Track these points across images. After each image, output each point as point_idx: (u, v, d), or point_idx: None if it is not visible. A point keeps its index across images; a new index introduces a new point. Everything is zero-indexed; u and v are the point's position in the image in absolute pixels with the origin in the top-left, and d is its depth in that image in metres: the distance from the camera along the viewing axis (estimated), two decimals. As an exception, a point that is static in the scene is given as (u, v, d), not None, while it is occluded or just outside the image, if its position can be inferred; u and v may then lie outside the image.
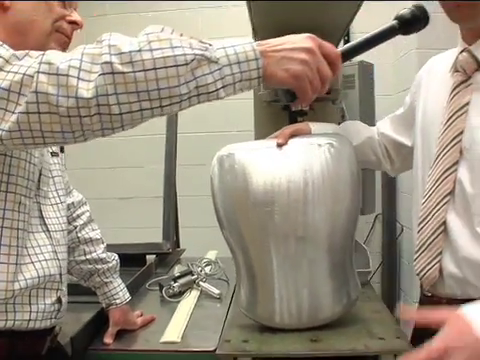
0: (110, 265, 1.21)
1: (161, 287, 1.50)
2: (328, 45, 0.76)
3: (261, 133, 1.54)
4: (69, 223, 1.16)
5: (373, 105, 2.31)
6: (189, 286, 1.51)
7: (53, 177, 1.00)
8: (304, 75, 0.73)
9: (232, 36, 0.73)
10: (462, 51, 1.00)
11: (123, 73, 0.63)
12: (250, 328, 1.18)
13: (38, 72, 0.64)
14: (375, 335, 1.12)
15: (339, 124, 2.08)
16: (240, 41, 0.71)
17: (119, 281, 1.25)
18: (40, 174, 0.93)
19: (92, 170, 2.89)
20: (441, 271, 0.98)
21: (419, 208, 1.04)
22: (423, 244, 1.01)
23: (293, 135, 1.13)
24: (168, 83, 0.65)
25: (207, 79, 0.67)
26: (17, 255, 0.83)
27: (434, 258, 0.99)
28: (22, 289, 0.84)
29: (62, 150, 1.11)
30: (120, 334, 1.22)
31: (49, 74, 0.64)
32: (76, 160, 2.44)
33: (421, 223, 1.02)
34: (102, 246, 1.21)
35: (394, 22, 0.91)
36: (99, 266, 1.20)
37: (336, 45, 1.71)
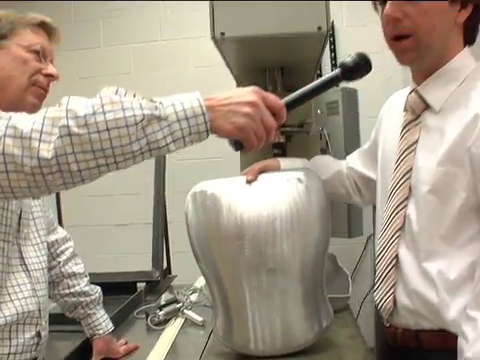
0: (93, 297, 1.28)
1: (147, 315, 1.55)
2: (272, 97, 0.82)
3: (246, 160, 1.62)
4: (53, 259, 1.24)
5: (358, 130, 2.38)
6: (174, 314, 1.57)
7: (34, 218, 1.07)
8: (248, 127, 0.79)
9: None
10: (411, 91, 1.07)
11: (79, 135, 0.70)
12: (227, 355, 1.24)
13: (5, 135, 0.71)
14: (346, 361, 1.17)
15: (323, 150, 2.17)
16: (189, 97, 0.77)
17: (102, 312, 1.31)
18: (20, 218, 1.00)
19: (89, 197, 2.97)
20: (395, 303, 1.04)
21: (377, 243, 1.10)
22: (380, 277, 1.07)
23: (262, 171, 1.20)
24: (120, 142, 0.71)
25: (157, 135, 0.73)
26: None
27: (389, 290, 1.04)
28: (1, 325, 0.91)
29: None
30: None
31: (14, 137, 0.71)
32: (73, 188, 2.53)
33: (378, 256, 1.08)
34: (85, 280, 1.28)
35: (338, 70, 0.97)
36: (82, 299, 1.26)
37: (310, 78, 1.79)
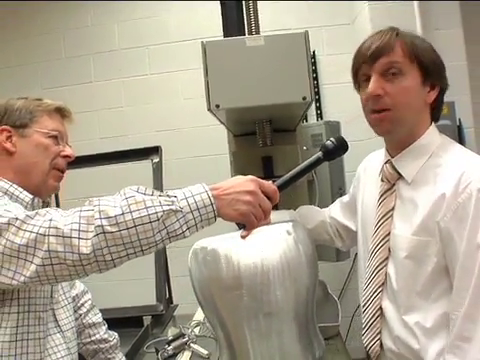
0: (111, 343, 1.43)
1: (157, 351, 1.70)
2: (266, 184, 1.00)
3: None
4: (75, 311, 1.38)
5: (342, 160, 2.55)
6: (182, 348, 1.72)
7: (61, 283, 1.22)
8: (249, 212, 0.96)
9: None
10: (386, 162, 1.23)
11: (112, 233, 0.86)
12: (233, 388, 1.39)
13: (48, 235, 0.87)
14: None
15: (310, 182, 2.32)
16: (199, 190, 0.94)
17: (120, 355, 1.47)
18: (52, 286, 1.15)
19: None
20: (382, 346, 1.20)
21: (361, 293, 1.26)
22: (366, 324, 1.23)
23: None
24: (145, 235, 0.88)
25: (175, 226, 0.90)
26: (41, 358, 1.06)
27: (375, 336, 1.21)
28: None
29: None
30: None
31: (57, 236, 0.87)
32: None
33: (364, 307, 1.25)
34: (104, 328, 1.43)
35: (319, 153, 1.13)
36: (102, 345, 1.41)
37: (295, 124, 1.94)
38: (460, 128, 2.63)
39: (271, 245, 1.31)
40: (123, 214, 0.87)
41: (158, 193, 0.93)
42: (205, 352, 1.66)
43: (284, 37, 1.33)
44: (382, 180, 1.24)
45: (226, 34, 1.53)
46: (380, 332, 1.20)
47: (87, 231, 0.87)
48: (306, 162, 1.12)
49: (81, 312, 1.40)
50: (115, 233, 0.86)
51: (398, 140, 1.20)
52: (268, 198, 1.00)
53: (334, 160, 2.38)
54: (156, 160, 2.32)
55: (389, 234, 1.19)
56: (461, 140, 2.62)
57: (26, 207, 1.12)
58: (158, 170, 2.31)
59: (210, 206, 0.93)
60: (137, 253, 0.89)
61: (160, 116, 3.17)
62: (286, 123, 1.86)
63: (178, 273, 2.85)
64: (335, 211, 1.51)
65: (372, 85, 1.15)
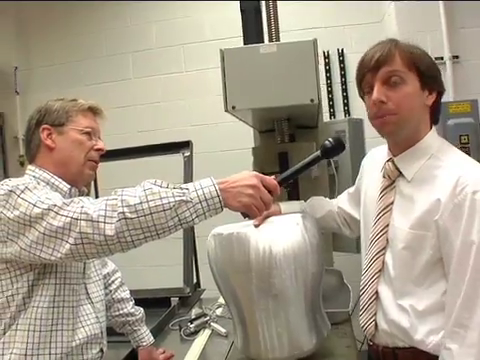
0: (138, 317, 1.60)
1: (180, 328, 1.88)
2: (268, 179, 1.14)
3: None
4: (106, 287, 1.56)
5: (364, 155, 2.62)
6: (203, 326, 1.89)
7: (93, 260, 1.40)
8: (251, 204, 1.11)
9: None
10: (388, 160, 1.34)
11: (132, 218, 1.03)
12: (245, 362, 1.54)
13: (80, 220, 1.04)
14: (338, 367, 1.47)
15: (331, 176, 2.43)
16: (207, 183, 1.09)
17: (145, 328, 1.64)
18: (85, 262, 1.33)
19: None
20: (376, 327, 1.32)
21: (361, 279, 1.38)
22: (363, 306, 1.35)
23: (267, 216, 1.49)
24: (160, 221, 1.04)
25: (185, 214, 1.06)
26: (73, 324, 1.25)
27: (371, 317, 1.33)
28: (77, 345, 1.25)
29: None
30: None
31: (87, 220, 1.05)
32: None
33: (361, 290, 1.37)
34: (131, 303, 1.60)
35: (318, 152, 1.25)
36: (129, 318, 1.59)
37: (315, 121, 2.06)
38: (483, 126, 2.67)
39: (281, 233, 1.45)
40: (141, 203, 1.03)
41: (173, 186, 1.08)
42: (223, 330, 1.82)
43: (295, 45, 1.46)
44: (383, 176, 1.35)
45: (246, 42, 1.67)
46: (375, 314, 1.32)
47: (111, 217, 1.03)
48: (306, 160, 1.24)
49: (111, 288, 1.58)
50: (134, 219, 1.03)
51: (401, 141, 1.31)
52: (269, 191, 1.14)
53: (357, 157, 2.57)
54: (187, 154, 2.48)
55: (388, 226, 1.30)
56: (483, 138, 2.65)
57: (64, 196, 1.29)
58: (189, 163, 2.46)
59: (217, 198, 1.08)
60: (153, 236, 1.06)
61: (194, 111, 3.34)
62: (305, 121, 1.98)
63: (207, 260, 3.04)
64: (343, 201, 1.63)
65: (376, 92, 1.26)
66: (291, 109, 1.58)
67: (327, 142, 1.27)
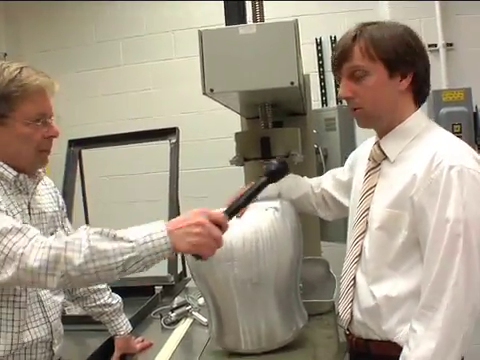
0: (115, 307, 1.56)
1: (161, 316, 1.84)
2: (214, 213, 1.07)
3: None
4: None
5: (354, 144, 2.59)
6: (184, 315, 1.85)
7: None
8: (200, 243, 1.03)
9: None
10: (375, 143, 1.30)
11: (76, 277, 1.01)
12: (223, 352, 1.51)
13: (18, 268, 1.02)
14: (318, 358, 1.43)
15: (320, 164, 2.38)
16: (157, 234, 1.02)
17: (122, 317, 1.59)
18: None
19: (113, 204, 3.29)
20: (352, 315, 1.28)
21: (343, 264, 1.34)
22: (342, 293, 1.31)
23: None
24: (106, 277, 1.04)
25: (133, 268, 1.03)
26: (19, 326, 1.21)
27: (347, 305, 1.29)
28: (20, 349, 1.21)
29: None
30: (124, 357, 1.59)
31: (25, 270, 1.02)
32: (96, 196, 2.83)
33: (341, 277, 1.33)
34: (108, 293, 1.56)
35: (264, 178, 1.21)
36: (106, 309, 1.55)
37: (302, 108, 2.01)
38: (476, 115, 2.62)
39: (260, 220, 1.41)
40: (86, 263, 1.00)
41: (120, 236, 1.02)
42: (204, 320, 1.78)
43: (275, 25, 1.40)
44: (369, 159, 1.31)
45: (228, 23, 1.62)
46: (352, 301, 1.28)
47: (54, 272, 1.01)
48: (253, 187, 1.18)
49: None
50: (79, 278, 1.01)
51: (381, 129, 1.27)
52: (218, 226, 1.06)
53: (346, 144, 2.53)
54: (173, 141, 2.43)
55: (369, 209, 1.26)
56: (477, 127, 2.61)
57: (10, 184, 1.22)
58: (175, 150, 2.42)
59: (166, 245, 1.02)
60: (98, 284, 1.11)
61: (184, 98, 3.28)
62: (291, 106, 1.93)
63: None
64: (328, 184, 1.58)
65: (341, 89, 1.25)
66: (272, 93, 1.52)
67: (271, 165, 1.25)
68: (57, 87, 1.25)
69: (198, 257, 1.08)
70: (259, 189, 1.19)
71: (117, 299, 1.59)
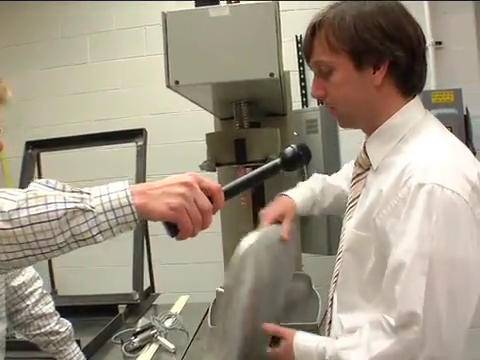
0: (63, 335, 1.34)
1: (122, 342, 1.62)
2: (207, 180, 0.81)
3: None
4: (22, 300, 1.30)
5: (337, 147, 2.42)
6: (149, 340, 1.63)
7: None
8: (182, 207, 0.76)
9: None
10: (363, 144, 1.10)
11: (4, 229, 0.72)
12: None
13: None
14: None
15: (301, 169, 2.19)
16: (117, 187, 0.76)
17: (73, 347, 1.37)
18: None
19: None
20: None
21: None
22: (324, 316, 1.12)
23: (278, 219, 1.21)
24: (44, 235, 0.73)
25: (81, 228, 0.73)
26: None
27: (328, 327, 1.12)
28: None
29: None
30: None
31: None
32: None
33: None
34: (55, 318, 1.33)
35: (277, 160, 1.00)
36: (53, 337, 1.32)
37: (282, 107, 1.82)
38: (467, 118, 2.47)
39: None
40: (18, 209, 0.73)
41: (70, 188, 0.77)
42: (171, 346, 1.57)
43: (252, 7, 1.21)
44: (355, 164, 1.12)
45: (197, 4, 1.41)
46: (330, 323, 1.10)
47: None
48: (262, 168, 0.96)
49: (29, 302, 1.30)
50: (8, 230, 0.73)
51: (364, 128, 1.08)
52: (210, 198, 0.80)
53: (330, 147, 2.36)
54: (140, 143, 2.22)
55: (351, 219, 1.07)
56: (467, 130, 2.46)
57: None
58: (142, 153, 2.21)
59: (128, 207, 0.75)
60: (37, 255, 0.75)
61: (156, 99, 3.07)
62: (270, 104, 1.74)
63: (165, 261, 2.79)
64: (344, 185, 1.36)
65: (312, 87, 1.06)
66: (249, 87, 1.33)
67: (289, 149, 1.01)
68: (9, 94, 1.10)
69: (173, 232, 0.79)
70: (268, 172, 0.97)
71: (66, 326, 1.36)
